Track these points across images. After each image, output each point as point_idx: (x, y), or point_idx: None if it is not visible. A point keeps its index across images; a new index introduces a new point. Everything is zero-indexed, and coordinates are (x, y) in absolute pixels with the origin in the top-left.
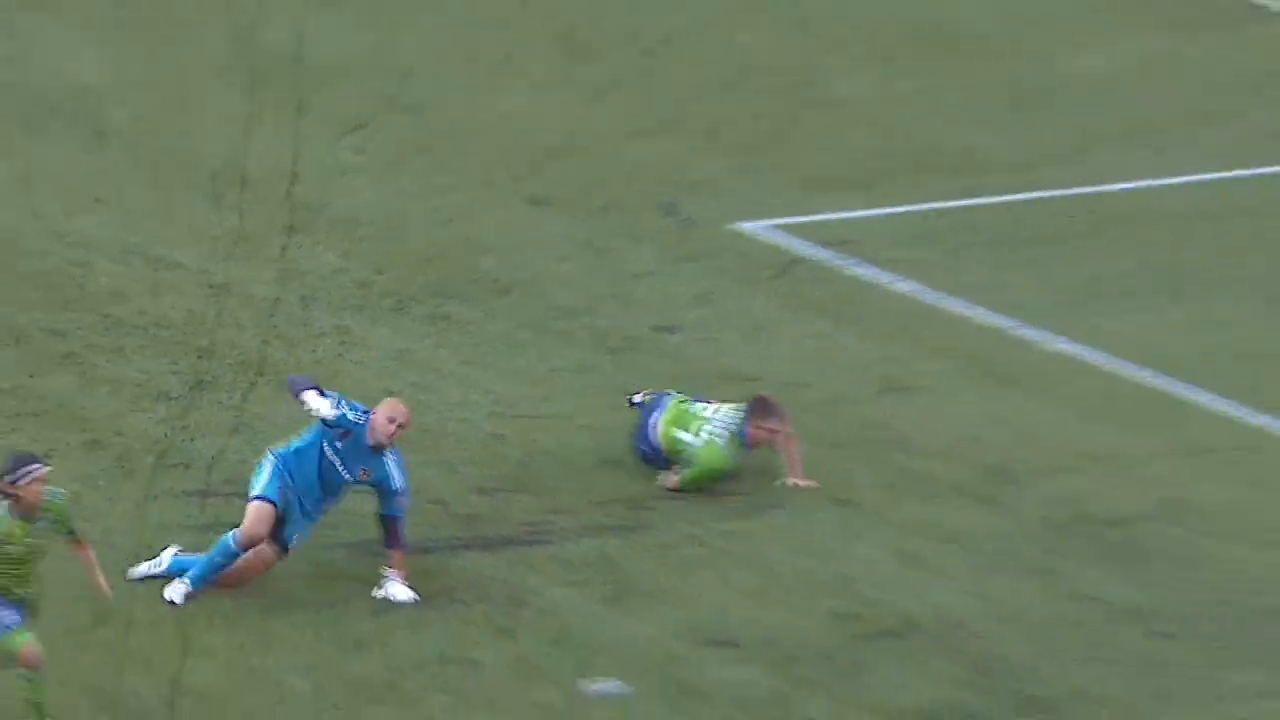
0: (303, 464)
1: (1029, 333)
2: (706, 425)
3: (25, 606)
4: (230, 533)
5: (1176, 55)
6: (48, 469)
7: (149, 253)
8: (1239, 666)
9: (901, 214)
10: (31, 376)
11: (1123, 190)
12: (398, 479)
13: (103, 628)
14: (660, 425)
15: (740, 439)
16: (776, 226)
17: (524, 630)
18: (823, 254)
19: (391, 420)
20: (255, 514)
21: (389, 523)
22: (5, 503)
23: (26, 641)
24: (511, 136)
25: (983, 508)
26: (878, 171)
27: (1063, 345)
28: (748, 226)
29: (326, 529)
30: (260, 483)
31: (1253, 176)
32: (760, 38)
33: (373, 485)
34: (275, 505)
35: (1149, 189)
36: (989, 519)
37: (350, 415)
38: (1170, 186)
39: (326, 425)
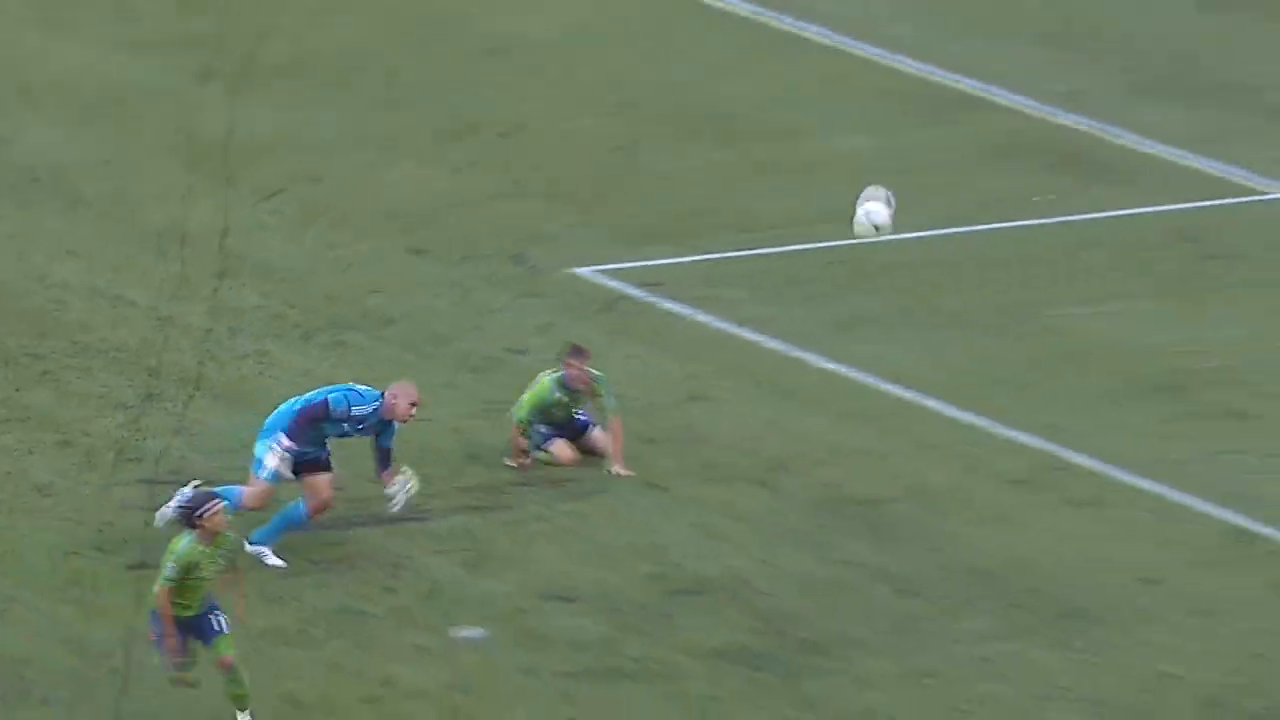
0: (316, 434)
1: (802, 355)
2: (547, 375)
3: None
4: (237, 488)
5: (921, 136)
6: (225, 503)
7: (110, 293)
8: (967, 617)
9: (702, 261)
10: (17, 390)
11: (878, 243)
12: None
13: (75, 588)
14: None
15: (562, 379)
16: (603, 271)
17: (404, 588)
18: (639, 293)
19: (413, 404)
20: (262, 495)
21: (385, 451)
22: (193, 534)
23: (220, 654)
24: (396, 201)
25: (766, 492)
26: (683, 227)
27: (828, 365)
28: (580, 271)
29: (259, 514)
30: (268, 467)
31: (979, 231)
32: (589, 123)
33: (377, 431)
34: (276, 487)
35: (900, 242)
36: (771, 501)
37: (369, 409)
38: (918, 239)
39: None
